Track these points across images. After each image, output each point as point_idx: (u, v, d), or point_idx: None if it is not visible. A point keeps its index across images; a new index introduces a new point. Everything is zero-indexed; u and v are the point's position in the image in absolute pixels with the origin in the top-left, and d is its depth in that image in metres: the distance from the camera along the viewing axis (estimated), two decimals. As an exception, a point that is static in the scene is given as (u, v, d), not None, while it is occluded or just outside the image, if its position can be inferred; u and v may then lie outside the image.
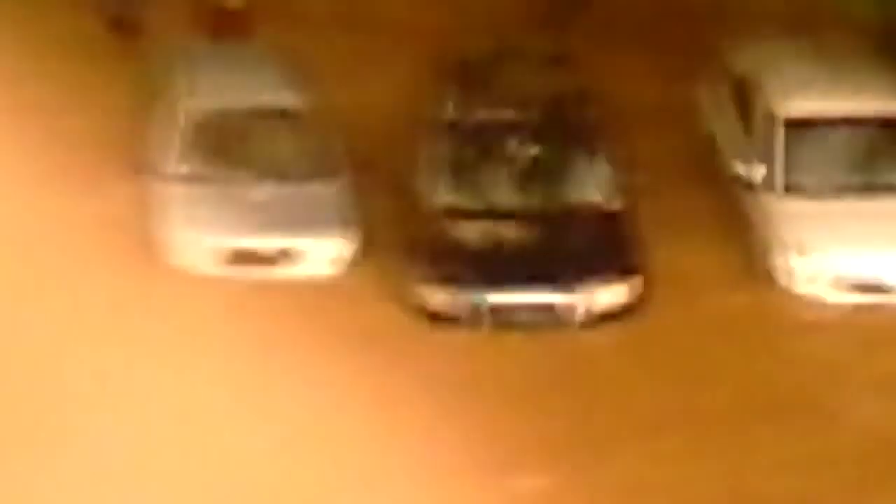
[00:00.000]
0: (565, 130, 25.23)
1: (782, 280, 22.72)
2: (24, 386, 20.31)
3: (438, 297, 22.43)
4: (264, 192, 24.22)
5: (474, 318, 22.34)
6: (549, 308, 22.29)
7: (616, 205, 23.95)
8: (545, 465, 18.63)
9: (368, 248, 23.28)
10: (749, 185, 24.11)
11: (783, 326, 22.31)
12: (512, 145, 24.83)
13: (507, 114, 25.48)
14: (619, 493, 18.23)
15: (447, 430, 18.98)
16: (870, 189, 23.87)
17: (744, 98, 25.64)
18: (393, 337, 21.86)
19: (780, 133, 24.11)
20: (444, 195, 23.95)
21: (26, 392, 20.17)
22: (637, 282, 22.37)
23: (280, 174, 24.47)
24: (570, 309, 22.26)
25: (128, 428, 19.21)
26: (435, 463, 18.70)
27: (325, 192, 24.25)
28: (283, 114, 25.09)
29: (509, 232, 23.67)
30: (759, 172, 23.91)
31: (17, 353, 20.96)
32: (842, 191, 23.72)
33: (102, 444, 18.86)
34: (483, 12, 30.93)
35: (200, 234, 23.48)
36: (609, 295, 22.33)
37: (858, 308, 22.19)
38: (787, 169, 23.85)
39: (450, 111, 25.45)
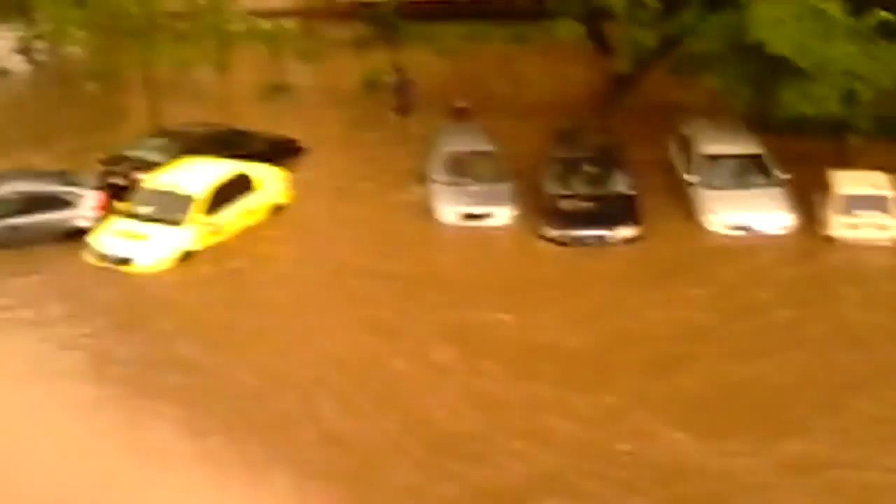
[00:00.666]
0: (607, 160, 33.09)
1: (706, 225, 31.09)
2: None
3: (553, 233, 30.86)
4: (478, 188, 32.64)
5: (569, 242, 30.68)
6: (601, 237, 30.63)
7: (629, 192, 32.04)
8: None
9: (523, 212, 32.08)
10: (691, 185, 32.32)
11: (705, 247, 30.55)
12: (584, 166, 32.80)
13: (581, 153, 33.32)
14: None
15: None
16: (744, 186, 31.78)
17: (687, 146, 33.57)
18: (535, 250, 30.66)
19: (702, 162, 32.47)
20: (554, 188, 32.33)
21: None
22: (639, 227, 30.88)
23: (485, 180, 32.77)
24: (611, 237, 30.69)
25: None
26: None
27: (502, 188, 32.52)
28: (486, 154, 33.48)
29: (583, 204, 31.57)
30: (694, 179, 32.26)
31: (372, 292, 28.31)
32: (730, 188, 31.71)
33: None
34: (571, 104, 38.22)
35: (447, 207, 32.24)
36: (627, 232, 30.72)
37: (735, 238, 30.46)
38: (705, 179, 32.08)
39: (556, 151, 33.66)
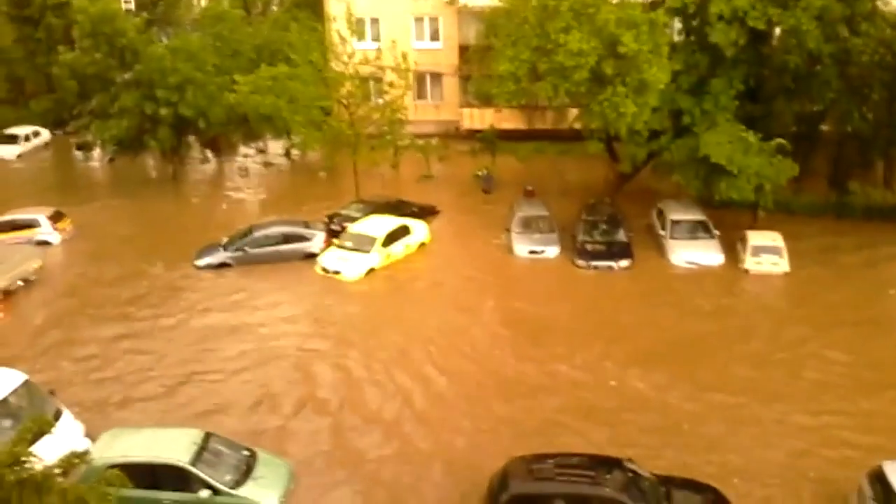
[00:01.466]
0: (614, 221, 32.34)
1: (671, 260, 30.67)
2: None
3: (581, 263, 30.55)
4: (538, 236, 31.74)
5: (590, 269, 30.32)
6: (610, 266, 30.32)
7: (627, 240, 31.38)
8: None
9: (564, 251, 31.44)
10: (662, 237, 31.65)
11: (670, 273, 30.21)
12: (601, 224, 32.13)
13: (599, 217, 32.72)
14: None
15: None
16: (694, 238, 31.02)
17: (661, 214, 32.44)
18: (570, 272, 30.36)
19: (670, 223, 31.55)
20: (582, 237, 31.61)
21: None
22: (632, 260, 30.50)
23: (542, 231, 31.95)
24: (616, 266, 30.35)
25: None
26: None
27: (553, 236, 31.82)
28: (543, 217, 32.51)
29: (599, 246, 31.00)
30: (665, 234, 31.48)
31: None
32: (686, 239, 31.01)
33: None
34: (594, 190, 36.53)
35: (520, 245, 31.64)
36: (625, 263, 30.47)
37: (689, 269, 30.18)
38: (671, 233, 31.27)
39: (584, 216, 32.90)
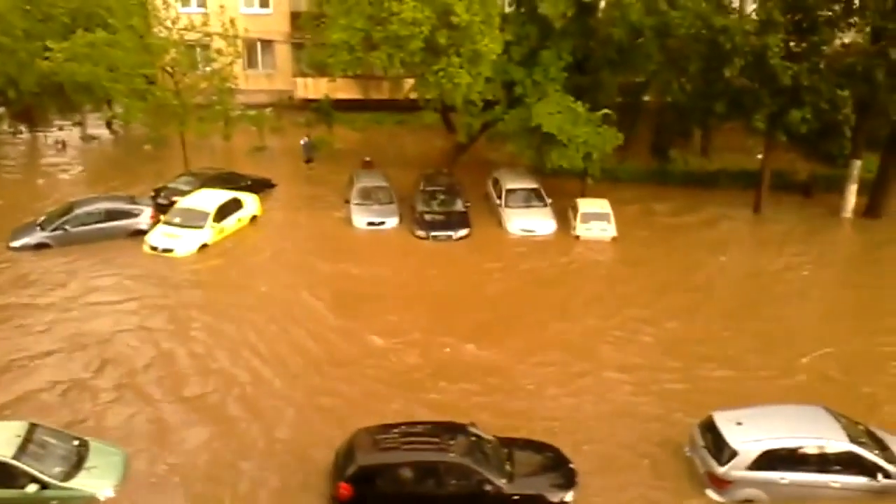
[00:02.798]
0: (452, 191, 32.44)
1: (507, 229, 30.98)
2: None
3: (421, 233, 30.27)
4: (377, 207, 31.54)
5: (430, 238, 30.18)
6: (449, 235, 30.43)
7: (464, 209, 31.45)
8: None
9: (403, 221, 31.30)
10: (499, 205, 32.09)
11: (505, 240, 30.68)
12: (438, 195, 32.24)
13: (437, 187, 32.70)
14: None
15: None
16: (528, 206, 31.65)
17: (497, 183, 33.05)
18: (410, 242, 30.19)
19: (505, 192, 32.08)
20: (421, 207, 31.53)
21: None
22: (469, 229, 30.76)
23: (381, 202, 31.72)
24: (454, 235, 30.32)
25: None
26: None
27: (392, 207, 31.62)
28: (382, 187, 32.28)
29: (438, 216, 30.99)
30: (501, 201, 31.96)
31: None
32: (520, 207, 31.54)
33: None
34: (431, 160, 36.88)
35: (359, 217, 31.24)
36: (463, 232, 30.53)
37: (524, 237, 30.83)
38: (506, 202, 31.81)
39: (422, 186, 32.86)
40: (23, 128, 42.10)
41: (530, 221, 31.63)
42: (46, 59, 33.62)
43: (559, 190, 32.97)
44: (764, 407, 18.73)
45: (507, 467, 17.41)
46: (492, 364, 22.53)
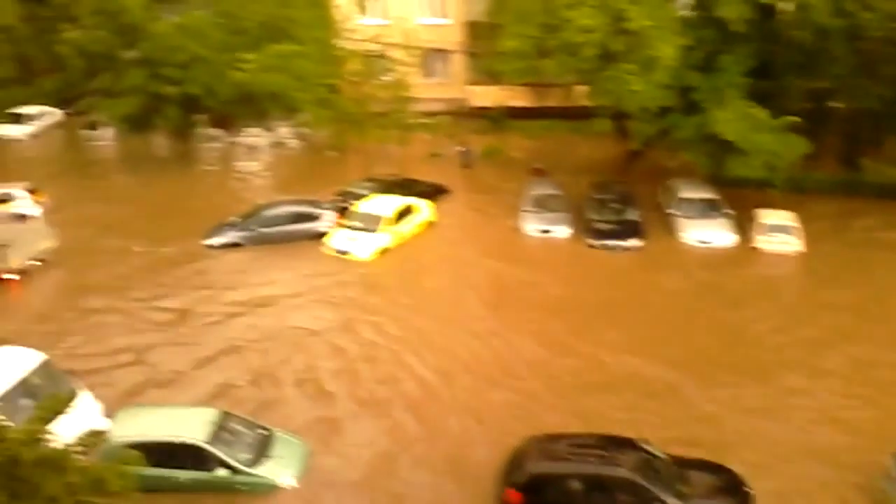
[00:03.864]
0: (624, 200, 32.15)
1: (682, 239, 30.26)
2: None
3: (592, 242, 30.18)
4: (549, 215, 31.32)
5: (601, 248, 29.94)
6: (620, 245, 29.93)
7: (637, 219, 31.11)
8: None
9: (575, 230, 31.06)
10: (673, 215, 31.44)
11: (680, 251, 29.95)
12: (611, 203, 31.84)
13: (609, 196, 32.53)
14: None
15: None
16: (705, 217, 30.65)
17: (671, 192, 32.41)
18: (581, 251, 30.08)
19: (680, 202, 31.52)
20: (593, 216, 31.26)
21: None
22: (643, 240, 30.17)
23: (552, 210, 31.52)
24: (626, 245, 29.96)
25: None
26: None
27: (563, 215, 31.24)
28: (553, 195, 32.34)
29: (610, 225, 30.64)
30: (676, 210, 31.35)
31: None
32: (696, 217, 30.77)
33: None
34: (604, 168, 36.64)
35: (530, 225, 31.21)
36: (636, 242, 30.15)
37: (699, 248, 30.06)
38: (682, 212, 31.09)
39: (594, 195, 32.73)
40: (219, 133, 44.28)
41: (707, 232, 30.72)
42: (240, 69, 35.60)
43: (738, 200, 31.85)
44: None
45: (680, 487, 16.88)
46: (659, 380, 21.93)
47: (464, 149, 39.15)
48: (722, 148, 30.55)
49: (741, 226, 30.80)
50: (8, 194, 34.07)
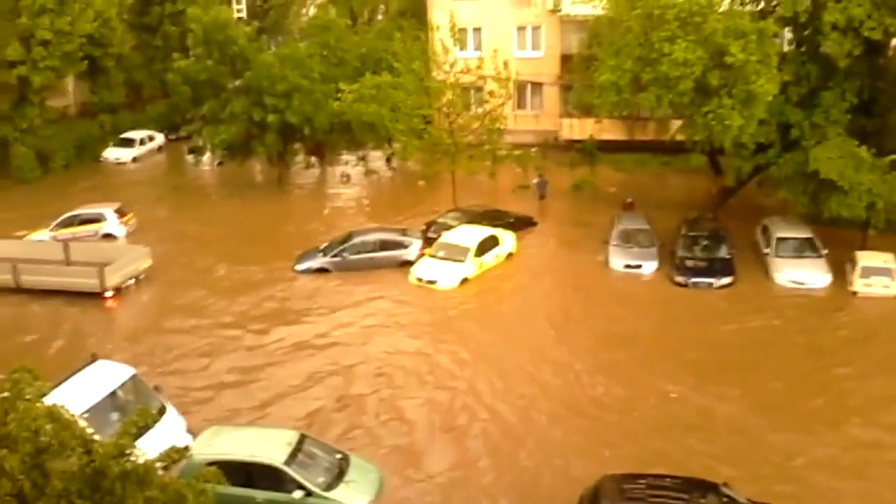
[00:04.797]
0: (716, 237, 31.39)
1: (776, 280, 29.50)
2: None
3: (680, 279, 29.60)
4: (636, 250, 31.08)
5: (689, 285, 29.28)
6: (710, 283, 29.20)
7: (728, 256, 30.43)
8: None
9: (661, 266, 30.62)
10: (767, 254, 30.59)
11: (773, 292, 29.16)
12: (701, 240, 31.20)
13: (700, 232, 31.82)
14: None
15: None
16: (800, 256, 30.00)
17: (766, 231, 31.50)
18: (667, 289, 29.49)
19: (775, 241, 30.53)
20: (682, 252, 30.64)
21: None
22: (733, 278, 29.50)
23: (641, 245, 31.22)
24: (716, 283, 29.26)
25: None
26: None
27: (651, 251, 31.04)
28: (643, 230, 31.91)
29: (700, 263, 30.07)
30: (770, 250, 30.48)
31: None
32: (791, 257, 29.92)
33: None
34: (696, 203, 35.77)
35: (616, 260, 30.93)
36: (726, 280, 29.46)
37: (793, 289, 29.11)
38: (776, 251, 30.19)
39: (685, 230, 31.99)
40: (314, 161, 45.27)
41: (801, 273, 29.74)
42: (338, 99, 36.61)
43: (836, 241, 30.73)
44: None
45: (761, 536, 16.16)
46: (741, 427, 21.17)
47: (539, 179, 39.13)
48: (821, 186, 29.65)
49: (838, 268, 29.78)
50: (101, 214, 35.96)
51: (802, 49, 32.05)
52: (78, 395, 18.84)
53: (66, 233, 34.63)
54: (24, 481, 11.25)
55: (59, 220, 35.35)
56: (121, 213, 36.41)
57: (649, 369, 23.88)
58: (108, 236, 35.30)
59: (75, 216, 35.61)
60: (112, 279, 29.39)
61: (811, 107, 30.79)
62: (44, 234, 34.73)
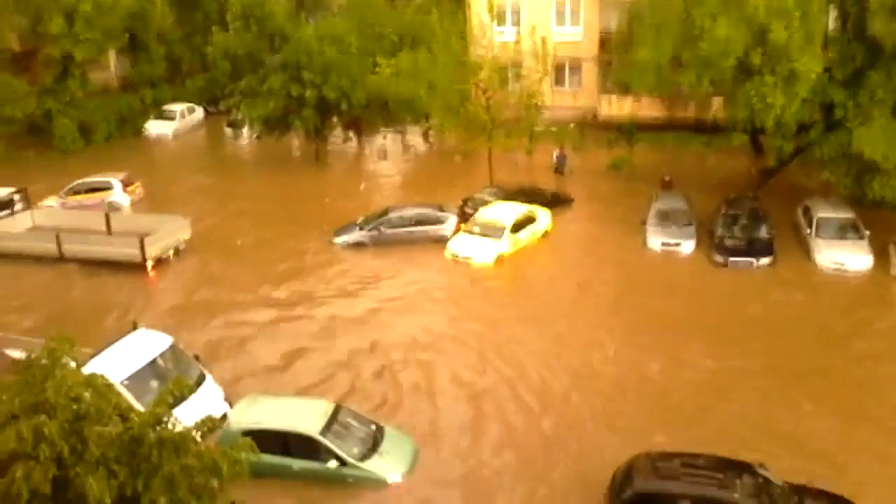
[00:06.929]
0: (756, 216, 30.91)
1: (816, 261, 28.96)
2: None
3: (719, 259, 29.19)
4: (674, 228, 30.57)
5: (728, 265, 28.86)
6: (749, 263, 28.77)
7: (768, 237, 29.97)
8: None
9: (699, 245, 30.17)
10: (808, 235, 30.01)
11: (812, 274, 28.57)
12: (741, 219, 30.67)
13: (740, 212, 31.29)
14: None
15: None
16: (841, 238, 29.32)
17: (807, 211, 30.99)
18: (705, 269, 29.08)
19: (816, 222, 30.00)
20: (722, 232, 30.17)
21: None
22: (773, 258, 29.05)
23: (679, 224, 30.75)
24: (755, 264, 28.85)
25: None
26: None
27: (690, 230, 30.62)
28: (680, 209, 31.26)
29: (739, 242, 29.65)
30: (812, 230, 29.85)
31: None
32: (833, 238, 29.34)
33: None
34: (736, 183, 35.20)
35: (654, 238, 30.45)
36: (766, 261, 29.02)
37: (834, 270, 28.57)
38: (817, 232, 29.66)
39: (724, 210, 31.49)
40: (352, 136, 45.49)
41: (843, 255, 29.12)
42: (375, 73, 36.56)
43: (879, 223, 30.00)
44: None
45: (796, 518, 15.89)
46: (772, 416, 20.62)
47: (559, 153, 39.00)
48: (865, 167, 28.96)
49: (881, 251, 29.07)
50: (108, 183, 36.73)
51: (848, 28, 31.22)
52: (119, 363, 19.22)
53: (74, 200, 35.63)
54: (63, 446, 11.47)
55: (67, 187, 36.12)
56: (127, 182, 37.02)
57: (687, 348, 23.59)
58: (113, 206, 35.85)
59: (83, 184, 36.33)
60: (152, 249, 29.74)
61: (856, 87, 30.00)
62: (53, 201, 35.71)
